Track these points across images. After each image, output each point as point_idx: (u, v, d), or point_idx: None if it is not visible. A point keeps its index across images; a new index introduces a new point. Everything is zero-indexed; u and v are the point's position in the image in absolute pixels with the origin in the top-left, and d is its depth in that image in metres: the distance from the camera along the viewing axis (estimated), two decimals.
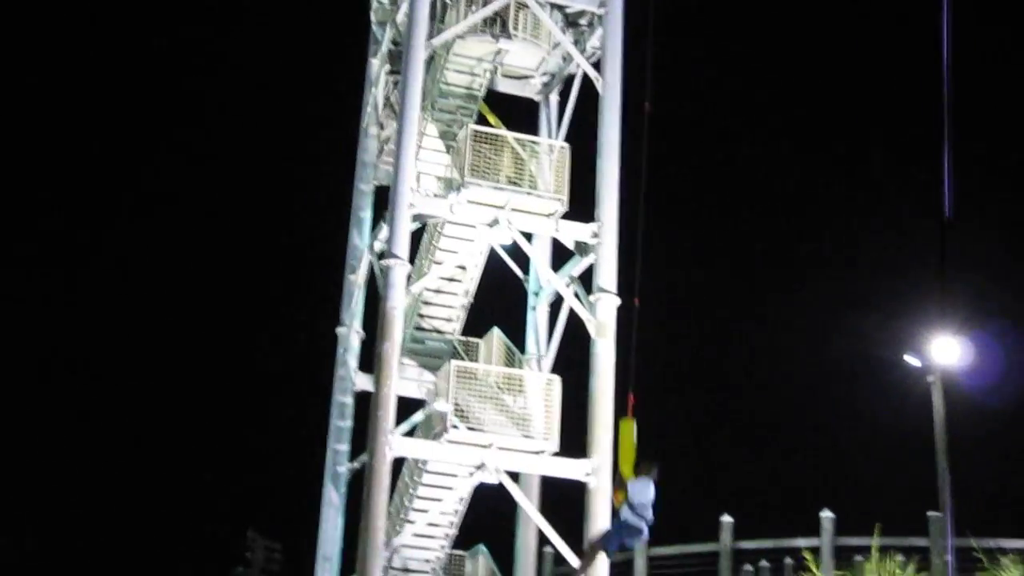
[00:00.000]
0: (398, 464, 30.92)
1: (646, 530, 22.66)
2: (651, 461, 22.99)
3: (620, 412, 27.12)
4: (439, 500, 31.10)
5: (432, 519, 31.38)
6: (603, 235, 31.50)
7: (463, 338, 33.44)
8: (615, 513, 22.82)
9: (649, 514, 22.40)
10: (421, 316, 33.31)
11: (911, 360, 36.62)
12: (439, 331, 33.50)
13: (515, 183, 31.44)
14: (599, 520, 29.70)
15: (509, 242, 32.43)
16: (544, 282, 34.09)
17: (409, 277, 31.02)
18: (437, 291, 33.15)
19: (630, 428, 23.44)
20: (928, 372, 35.88)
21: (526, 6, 32.94)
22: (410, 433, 32.17)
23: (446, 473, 30.93)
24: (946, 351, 36.00)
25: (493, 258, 33.43)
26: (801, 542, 41.99)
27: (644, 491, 22.35)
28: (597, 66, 32.95)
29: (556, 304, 33.64)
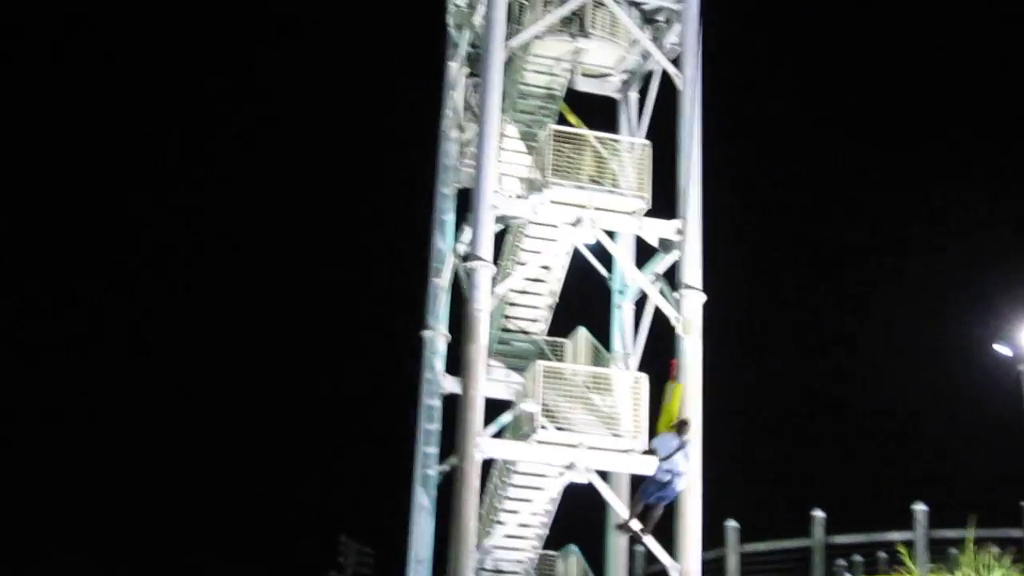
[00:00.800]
0: (487, 466, 30.95)
1: (675, 484, 23.34)
2: (685, 421, 24.16)
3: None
4: (529, 501, 31.12)
5: (523, 520, 31.39)
6: (687, 231, 31.38)
7: (549, 338, 33.39)
8: None
9: (677, 467, 23.10)
10: (506, 317, 33.29)
11: (1001, 349, 36.32)
12: (525, 332, 33.47)
13: (597, 182, 31.40)
14: (689, 518, 29.65)
15: (593, 241, 32.37)
16: (629, 280, 33.98)
17: (494, 279, 31.03)
18: (522, 292, 33.13)
19: (679, 392, 24.21)
20: (1018, 361, 35.58)
21: (603, 4, 32.85)
22: (498, 434, 32.17)
23: (535, 474, 30.93)
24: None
25: (577, 257, 33.38)
26: (895, 536, 41.66)
27: (666, 445, 23.19)
28: (676, 62, 32.85)
29: (641, 302, 33.51)
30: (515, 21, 32.78)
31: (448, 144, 35.93)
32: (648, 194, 31.50)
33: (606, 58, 34.27)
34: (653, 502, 24.36)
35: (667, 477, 23.61)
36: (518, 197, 31.85)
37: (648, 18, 33.90)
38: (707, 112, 32.24)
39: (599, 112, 35.00)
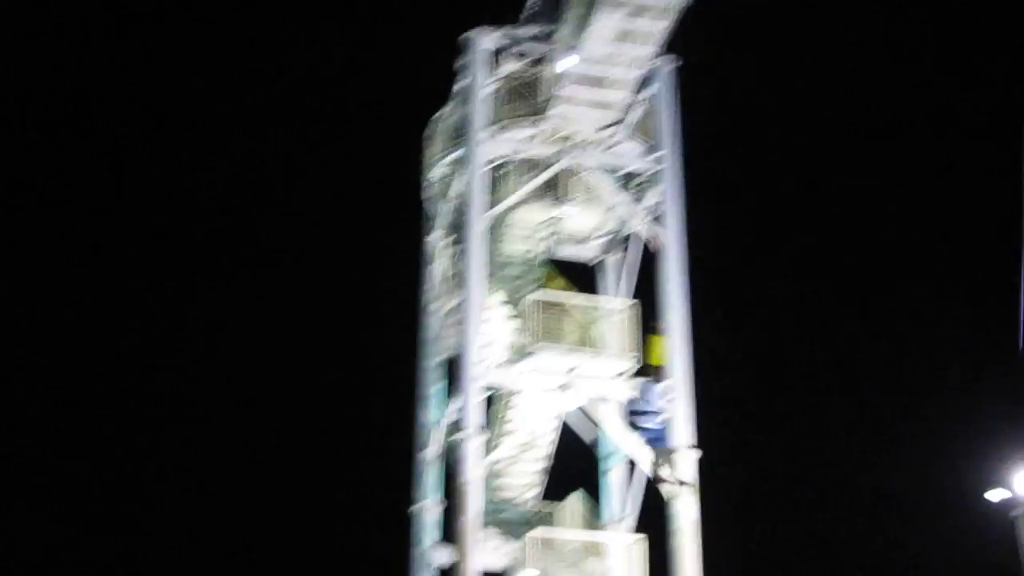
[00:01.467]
0: None
1: (642, 423, 27.67)
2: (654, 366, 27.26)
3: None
4: None
5: None
6: (676, 391, 31.28)
7: (543, 503, 33.11)
8: None
9: (642, 406, 27.50)
10: (498, 485, 33.04)
11: (992, 497, 36.22)
12: (518, 498, 33.20)
13: (583, 346, 31.34)
14: None
15: (580, 405, 32.24)
16: (619, 443, 33.80)
17: (483, 447, 30.86)
18: (513, 459, 32.93)
19: (655, 343, 25.16)
20: (1012, 506, 35.48)
21: (580, 171, 33.18)
22: None
23: None
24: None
25: (570, 418, 33.29)
26: None
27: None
28: (659, 219, 33.04)
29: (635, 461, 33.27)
30: (495, 189, 33.07)
31: (429, 319, 35.96)
32: (635, 354, 31.39)
33: (586, 222, 34.58)
34: (651, 445, 26.85)
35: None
36: (504, 364, 31.79)
37: (628, 180, 34.16)
38: (691, 268, 32.45)
39: (583, 273, 35.18)
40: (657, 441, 25.78)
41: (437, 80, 36.12)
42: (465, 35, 34.09)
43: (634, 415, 24.90)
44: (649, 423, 25.33)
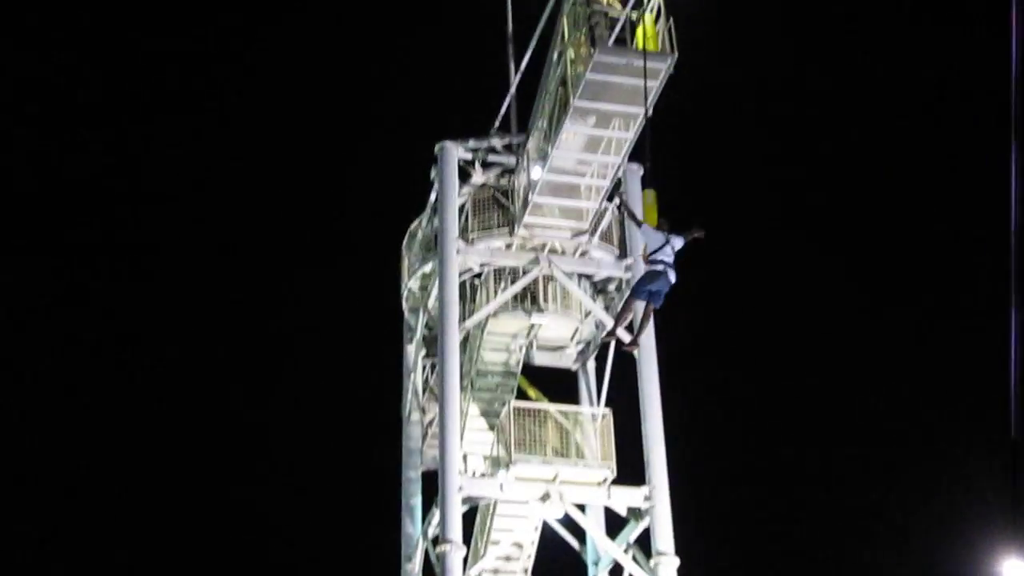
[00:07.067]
0: None
1: (669, 275, 22.71)
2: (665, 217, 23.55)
3: None
4: None
5: None
6: (655, 497, 31.29)
7: None
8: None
9: (668, 259, 22.67)
10: None
11: None
12: None
13: (562, 455, 31.33)
14: None
15: (562, 515, 32.14)
16: (601, 551, 33.66)
17: (466, 560, 30.73)
18: (495, 571, 32.78)
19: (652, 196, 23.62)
20: None
21: (554, 279, 33.22)
22: None
23: None
24: (1016, 573, 35.46)
25: (548, 529, 33.16)
26: None
27: (654, 238, 22.94)
28: (629, 329, 33.09)
29: (617, 571, 33.11)
30: (468, 300, 33.11)
31: (411, 427, 35.92)
32: (613, 463, 31.40)
33: (561, 331, 34.50)
34: (645, 299, 23.34)
35: (660, 267, 22.78)
36: (484, 476, 31.74)
37: (599, 288, 34.23)
38: (665, 376, 32.43)
39: (559, 381, 35.16)
40: (659, 293, 24.32)
41: (419, 186, 36.17)
42: (438, 145, 34.22)
43: (660, 263, 23.39)
44: (669, 274, 23.91)
